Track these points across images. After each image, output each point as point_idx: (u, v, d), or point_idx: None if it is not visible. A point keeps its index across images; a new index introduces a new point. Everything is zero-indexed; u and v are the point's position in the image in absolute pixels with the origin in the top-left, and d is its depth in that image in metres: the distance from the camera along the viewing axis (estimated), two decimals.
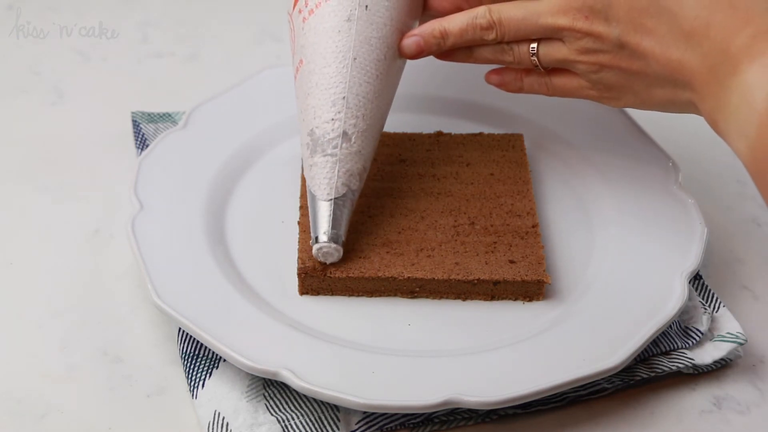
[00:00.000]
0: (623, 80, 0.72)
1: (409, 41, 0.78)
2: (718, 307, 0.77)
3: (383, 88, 0.78)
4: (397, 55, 0.79)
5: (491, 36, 0.75)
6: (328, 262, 0.75)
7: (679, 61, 0.68)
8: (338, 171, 0.75)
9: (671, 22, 0.68)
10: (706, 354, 0.75)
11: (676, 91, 0.70)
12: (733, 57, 0.65)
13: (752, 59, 0.64)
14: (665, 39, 0.68)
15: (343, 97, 0.76)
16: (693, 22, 0.67)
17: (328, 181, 0.76)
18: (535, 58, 0.75)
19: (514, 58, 0.76)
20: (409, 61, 0.82)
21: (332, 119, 0.76)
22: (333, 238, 0.75)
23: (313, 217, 0.76)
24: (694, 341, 0.75)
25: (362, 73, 0.76)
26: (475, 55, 0.78)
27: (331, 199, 0.75)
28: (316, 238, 0.75)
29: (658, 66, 0.69)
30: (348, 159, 0.76)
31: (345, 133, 0.76)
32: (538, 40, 0.75)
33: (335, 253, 0.75)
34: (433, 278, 0.75)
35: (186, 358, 0.73)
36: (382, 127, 0.79)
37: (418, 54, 0.78)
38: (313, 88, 0.77)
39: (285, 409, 0.71)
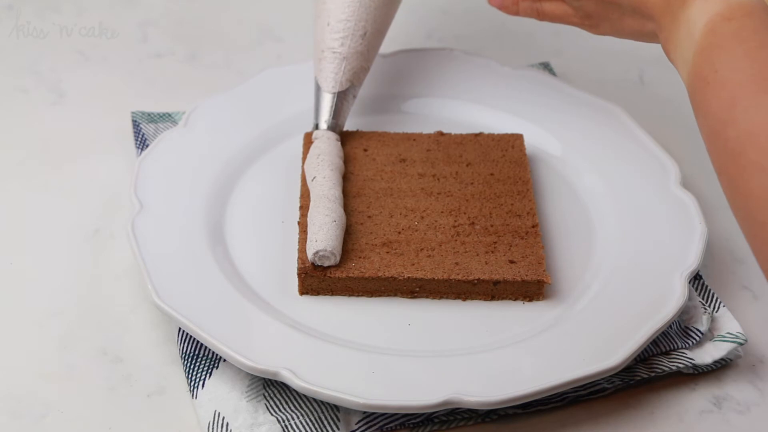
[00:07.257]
0: (600, 9, 0.79)
1: None
2: (718, 307, 0.77)
3: None
4: None
5: None
6: (325, 266, 0.75)
7: None
8: (344, 68, 0.84)
9: None
10: (706, 354, 0.74)
11: (643, 22, 0.76)
12: None
13: None
14: None
15: (356, 2, 0.84)
16: None
17: (334, 75, 0.84)
18: None
19: None
20: (410, 62, 0.82)
21: (345, 20, 0.84)
22: (332, 127, 0.84)
23: (317, 106, 0.85)
24: (694, 341, 0.75)
25: None
26: None
27: (335, 92, 0.84)
28: (317, 125, 0.85)
29: None
30: (354, 57, 0.84)
31: (354, 34, 0.84)
32: None
33: (331, 257, 0.75)
34: (433, 278, 0.75)
35: (186, 358, 0.73)
36: (386, 32, 0.87)
37: None
38: None
39: (285, 409, 0.71)
